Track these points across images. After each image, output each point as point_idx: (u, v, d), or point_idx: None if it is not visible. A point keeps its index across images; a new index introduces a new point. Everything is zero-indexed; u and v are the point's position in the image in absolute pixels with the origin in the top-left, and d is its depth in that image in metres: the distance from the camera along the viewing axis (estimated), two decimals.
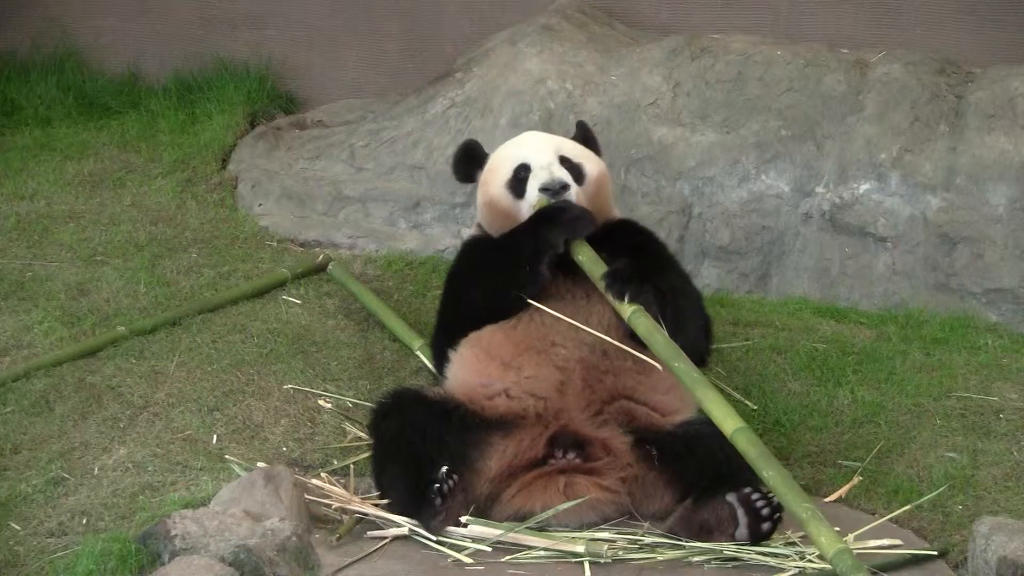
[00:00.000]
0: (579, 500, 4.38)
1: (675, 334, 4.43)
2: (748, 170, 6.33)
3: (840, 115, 6.34)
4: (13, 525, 4.33)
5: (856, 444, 4.98)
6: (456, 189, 6.41)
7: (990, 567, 4.04)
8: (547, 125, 6.35)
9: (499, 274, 4.62)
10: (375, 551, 4.29)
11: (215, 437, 4.81)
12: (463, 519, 4.32)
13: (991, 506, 4.53)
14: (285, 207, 6.65)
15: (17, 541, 4.26)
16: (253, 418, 4.94)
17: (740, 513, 4.24)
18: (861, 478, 4.77)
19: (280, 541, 4.05)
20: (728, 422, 4.20)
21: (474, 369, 4.58)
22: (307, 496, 4.47)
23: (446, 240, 6.43)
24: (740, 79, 6.46)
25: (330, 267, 5.99)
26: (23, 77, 7.64)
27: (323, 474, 4.69)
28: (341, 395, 5.17)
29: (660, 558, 4.24)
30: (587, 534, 4.33)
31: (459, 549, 4.27)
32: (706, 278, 6.28)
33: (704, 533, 4.29)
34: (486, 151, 4.98)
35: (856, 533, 4.34)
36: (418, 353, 5.37)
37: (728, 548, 4.23)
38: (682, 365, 4.33)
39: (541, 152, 4.80)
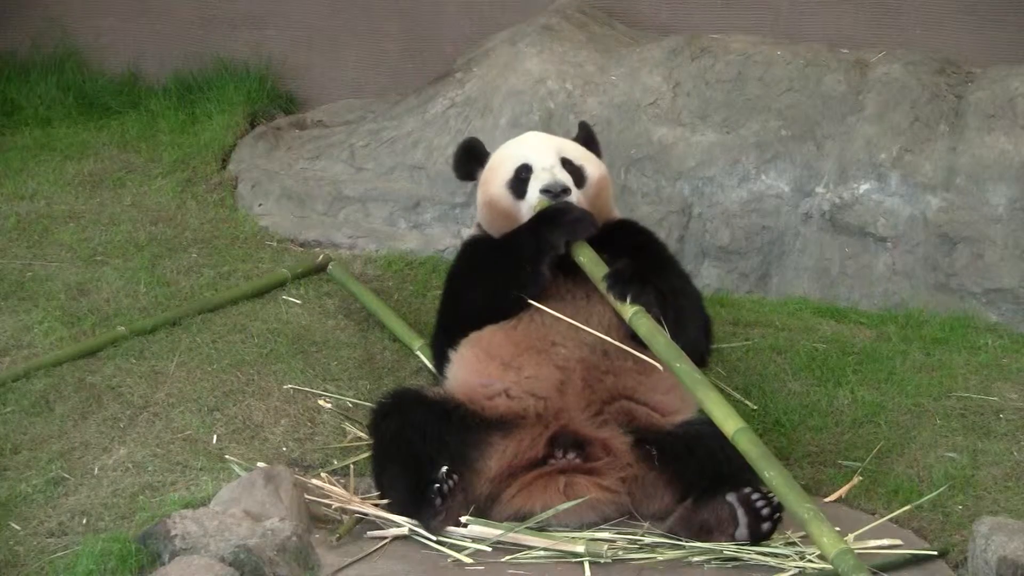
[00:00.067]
0: (579, 500, 4.38)
1: (676, 335, 4.43)
2: (748, 170, 6.33)
3: (840, 115, 6.34)
4: (13, 525, 4.33)
5: (856, 444, 4.98)
6: (456, 189, 6.41)
7: (990, 567, 4.04)
8: (547, 125, 6.35)
9: (500, 274, 4.62)
10: (375, 551, 4.29)
11: (215, 437, 4.81)
12: (463, 519, 4.32)
13: (991, 506, 4.53)
14: (285, 207, 6.65)
15: (17, 541, 4.26)
16: (253, 418, 4.94)
17: (740, 513, 4.24)
18: (861, 478, 4.77)
19: (280, 541, 4.05)
20: (729, 423, 4.20)
21: (474, 369, 4.58)
22: (307, 496, 4.47)
23: (446, 240, 6.43)
24: (740, 79, 6.46)
25: (330, 267, 5.99)
26: (23, 77, 7.64)
27: (323, 474, 4.69)
28: (341, 395, 5.17)
29: (660, 558, 4.24)
30: (587, 534, 4.33)
31: (459, 549, 4.27)
32: (706, 278, 6.28)
33: (704, 533, 4.29)
34: (487, 150, 4.98)
35: (856, 533, 4.34)
36: (418, 353, 5.37)
37: (728, 548, 4.23)
38: (683, 366, 4.33)
39: (543, 153, 4.79)
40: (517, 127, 6.30)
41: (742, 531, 4.25)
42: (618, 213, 5.05)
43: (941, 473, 4.73)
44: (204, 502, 4.37)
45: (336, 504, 4.49)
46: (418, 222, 6.54)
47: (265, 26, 7.70)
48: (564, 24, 6.88)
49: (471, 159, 4.97)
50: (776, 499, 4.18)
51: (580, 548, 4.22)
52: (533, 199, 4.69)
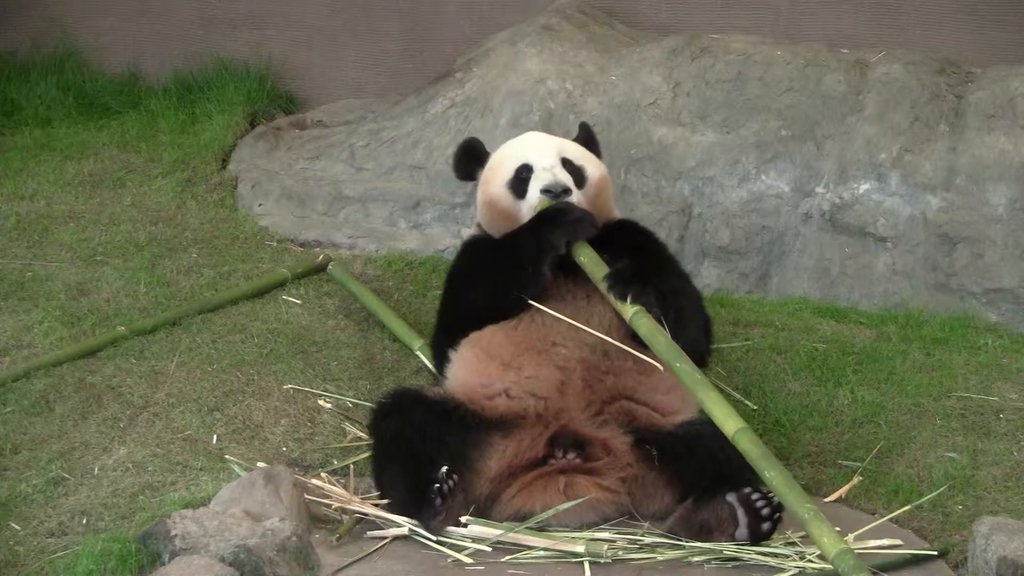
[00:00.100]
0: (579, 500, 4.38)
1: (676, 335, 4.43)
2: (748, 170, 6.33)
3: (840, 115, 6.34)
4: (13, 525, 4.33)
5: (856, 444, 4.98)
6: (456, 189, 6.41)
7: (990, 567, 4.04)
8: (547, 125, 6.35)
9: (500, 274, 4.62)
10: (375, 551, 4.29)
11: (215, 437, 4.81)
12: (463, 519, 4.32)
13: (991, 506, 4.53)
14: (285, 207, 6.65)
15: (17, 541, 4.26)
16: (253, 418, 4.94)
17: (740, 513, 4.24)
18: (861, 478, 4.77)
19: (280, 541, 4.05)
20: (729, 423, 4.20)
21: (474, 369, 4.58)
22: (307, 496, 4.47)
23: (446, 240, 6.43)
24: (740, 79, 6.46)
25: (330, 267, 5.99)
26: (23, 77, 7.64)
27: (323, 474, 4.69)
28: (341, 395, 5.17)
29: (660, 558, 4.24)
30: (587, 534, 4.33)
31: (459, 549, 4.27)
32: (706, 278, 6.28)
33: (704, 533, 4.29)
34: (487, 150, 4.98)
35: (856, 533, 4.34)
36: (418, 353, 5.37)
37: (728, 548, 4.23)
38: (684, 366, 4.33)
39: (543, 153, 4.79)
40: (517, 127, 6.30)
41: (742, 531, 4.25)
42: (618, 213, 5.05)
43: (941, 473, 4.73)
44: (204, 502, 4.36)
45: (336, 504, 4.49)
46: (418, 222, 6.54)
47: (265, 26, 7.70)
48: (564, 24, 6.88)
49: (471, 159, 4.97)
50: (776, 499, 4.18)
51: (580, 548, 4.22)
52: (534, 199, 4.69)
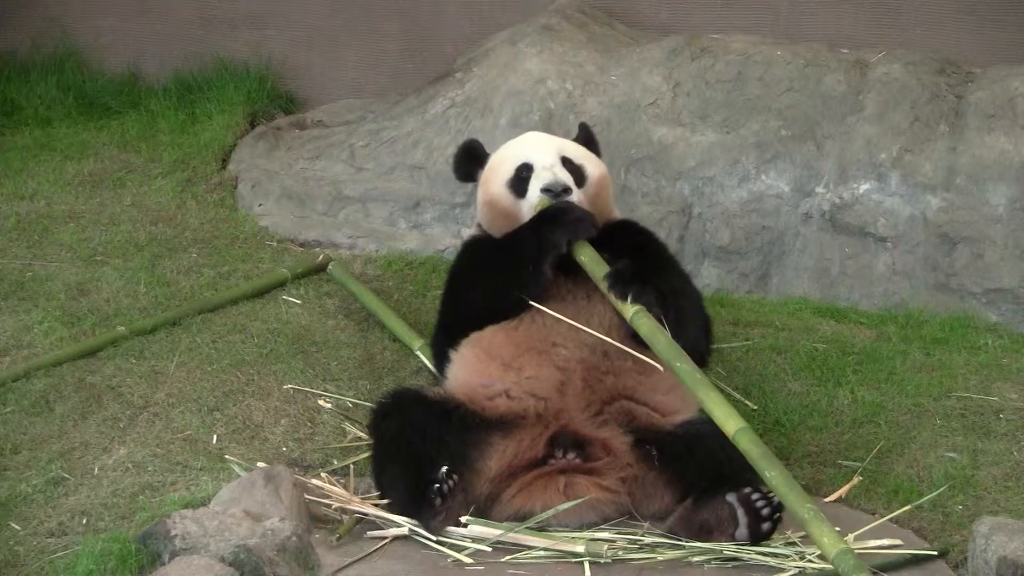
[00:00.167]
0: (579, 500, 4.38)
1: (676, 334, 4.43)
2: (748, 170, 6.33)
3: (840, 115, 6.34)
4: (13, 525, 4.32)
5: (856, 444, 4.98)
6: (456, 189, 6.41)
7: (990, 567, 4.04)
8: (547, 125, 6.35)
9: (501, 274, 4.62)
10: (375, 551, 4.29)
11: (215, 437, 4.81)
12: (463, 519, 4.32)
13: (991, 506, 4.53)
14: (285, 207, 6.65)
15: (17, 541, 4.26)
16: (253, 418, 4.94)
17: (740, 513, 4.24)
18: (861, 478, 4.77)
19: (280, 541, 4.05)
20: (730, 423, 4.20)
21: (475, 369, 4.58)
22: (307, 496, 4.47)
23: (446, 240, 6.43)
24: (740, 79, 6.46)
25: (330, 267, 5.99)
26: (23, 77, 7.64)
27: (323, 474, 4.69)
28: (341, 395, 5.17)
29: (660, 558, 4.24)
30: (587, 534, 4.33)
31: (459, 549, 4.27)
32: (706, 278, 6.28)
33: (704, 533, 4.29)
34: (487, 151, 4.98)
35: (856, 533, 4.34)
36: (418, 353, 5.37)
37: (728, 548, 4.23)
38: (684, 365, 4.33)
39: (543, 152, 4.80)
40: (517, 127, 6.30)
41: (742, 531, 4.24)
42: (618, 213, 5.05)
43: (941, 473, 4.73)
44: (204, 502, 4.36)
45: (336, 504, 4.49)
46: (418, 222, 6.54)
47: (265, 26, 7.70)
48: (564, 24, 6.88)
49: (471, 160, 4.97)
50: (776, 499, 4.18)
51: (580, 548, 4.22)
52: (534, 198, 4.70)
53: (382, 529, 4.40)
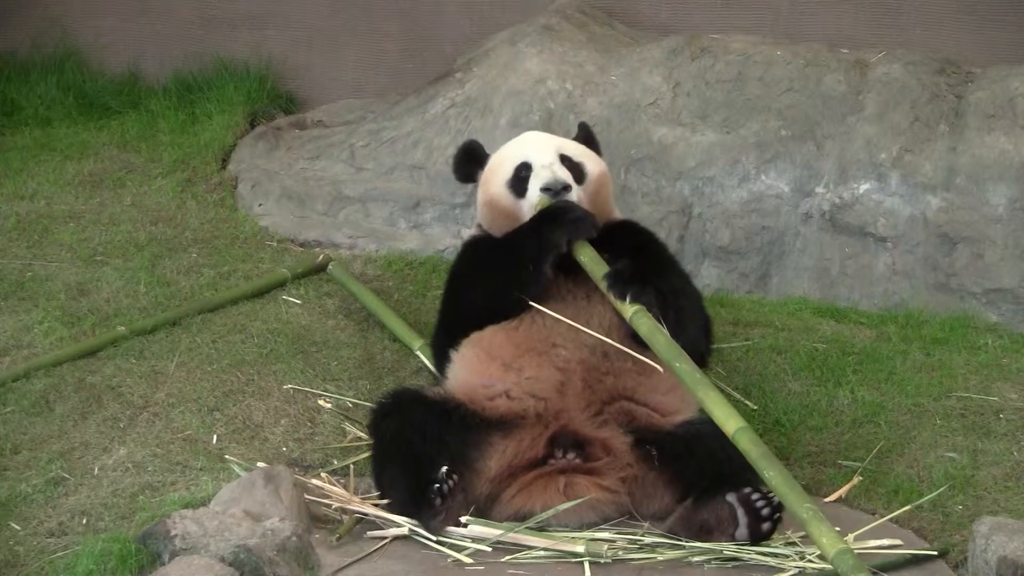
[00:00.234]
0: (579, 500, 4.38)
1: (676, 334, 4.43)
2: (748, 170, 6.33)
3: (840, 115, 6.34)
4: (13, 525, 4.33)
5: (856, 444, 4.98)
6: (456, 189, 6.41)
7: (990, 567, 4.04)
8: (547, 125, 6.35)
9: (501, 274, 4.62)
10: (375, 551, 4.29)
11: (215, 437, 4.81)
12: (463, 519, 4.32)
13: (991, 506, 4.53)
14: (285, 207, 6.65)
15: (17, 541, 4.26)
16: (253, 418, 4.94)
17: (740, 513, 4.24)
18: (861, 478, 4.77)
19: (280, 541, 4.05)
20: (730, 422, 4.20)
21: (475, 369, 4.58)
22: (307, 496, 4.47)
23: (446, 240, 6.43)
24: (740, 79, 6.46)
25: (330, 267, 5.99)
26: (23, 77, 7.64)
27: (323, 474, 4.69)
28: (341, 395, 5.17)
29: (660, 558, 4.24)
30: (587, 534, 4.33)
31: (459, 549, 4.26)
32: (706, 278, 6.28)
33: (704, 533, 4.29)
34: (487, 151, 4.98)
35: (856, 533, 4.34)
36: (418, 353, 5.37)
37: (728, 548, 4.23)
38: (684, 365, 4.33)
39: (543, 151, 4.80)
40: (517, 127, 6.29)
41: (742, 531, 4.24)
42: (618, 213, 5.05)
43: (941, 473, 4.73)
44: (204, 502, 4.36)
45: (336, 504, 4.49)
46: (418, 222, 6.54)
47: (265, 26, 7.70)
48: (564, 24, 6.88)
49: (471, 161, 4.97)
50: (776, 499, 4.18)
51: (580, 548, 4.22)
52: (534, 197, 4.70)
53: (382, 529, 4.39)
